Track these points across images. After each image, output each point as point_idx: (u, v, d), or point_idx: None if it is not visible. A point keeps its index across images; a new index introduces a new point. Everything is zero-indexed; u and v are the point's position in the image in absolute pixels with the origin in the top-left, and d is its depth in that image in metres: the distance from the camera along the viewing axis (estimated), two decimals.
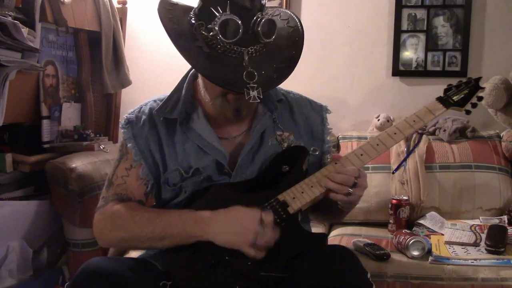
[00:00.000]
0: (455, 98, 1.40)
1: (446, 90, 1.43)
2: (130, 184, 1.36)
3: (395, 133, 1.34)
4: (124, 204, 1.33)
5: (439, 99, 1.40)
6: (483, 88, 1.43)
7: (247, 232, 1.18)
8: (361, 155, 1.30)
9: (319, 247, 1.28)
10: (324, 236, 1.33)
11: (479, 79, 1.43)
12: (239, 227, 1.19)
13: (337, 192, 1.24)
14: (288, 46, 1.29)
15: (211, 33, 1.19)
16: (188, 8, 1.29)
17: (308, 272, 1.16)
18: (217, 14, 1.18)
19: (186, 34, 1.23)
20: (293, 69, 1.26)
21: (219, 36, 1.18)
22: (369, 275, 1.20)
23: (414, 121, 1.36)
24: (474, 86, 1.42)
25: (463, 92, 1.41)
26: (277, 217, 1.23)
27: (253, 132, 1.36)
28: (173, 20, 1.24)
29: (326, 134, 1.47)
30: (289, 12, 1.36)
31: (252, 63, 1.20)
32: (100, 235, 1.34)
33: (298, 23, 1.32)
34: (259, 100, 1.18)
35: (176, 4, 1.30)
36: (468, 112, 1.42)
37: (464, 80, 1.45)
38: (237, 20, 1.18)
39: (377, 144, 1.32)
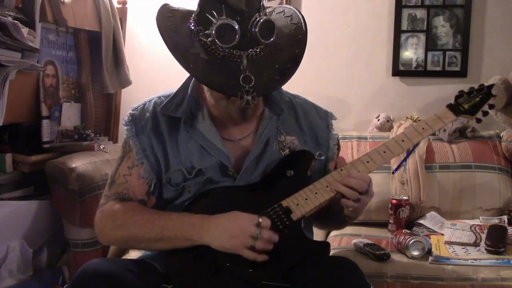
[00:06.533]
0: (466, 105, 1.36)
1: (457, 97, 1.38)
2: (132, 183, 1.34)
3: (403, 140, 1.32)
4: (124, 204, 1.31)
5: (450, 106, 1.36)
6: (495, 96, 1.38)
7: (243, 235, 1.16)
8: (368, 162, 1.28)
9: (322, 256, 1.26)
10: (327, 245, 1.30)
11: (491, 86, 1.38)
12: (235, 231, 1.17)
13: (348, 197, 1.22)
14: (291, 45, 1.26)
15: (209, 39, 1.18)
16: (189, 13, 1.28)
17: (310, 284, 1.14)
18: (213, 20, 1.17)
19: (185, 41, 1.21)
20: (296, 69, 1.24)
21: (216, 42, 1.17)
22: None
23: (423, 128, 1.33)
24: (486, 93, 1.37)
25: (474, 99, 1.36)
26: (280, 223, 1.22)
27: (259, 138, 1.34)
28: (171, 28, 1.23)
29: (331, 140, 1.45)
30: (293, 9, 1.33)
31: (252, 67, 1.18)
32: (101, 233, 1.34)
33: (302, 19, 1.30)
34: (252, 105, 1.16)
35: (177, 10, 1.28)
36: (479, 121, 1.37)
37: (476, 87, 1.40)
38: (234, 25, 1.16)
39: (384, 152, 1.30)
